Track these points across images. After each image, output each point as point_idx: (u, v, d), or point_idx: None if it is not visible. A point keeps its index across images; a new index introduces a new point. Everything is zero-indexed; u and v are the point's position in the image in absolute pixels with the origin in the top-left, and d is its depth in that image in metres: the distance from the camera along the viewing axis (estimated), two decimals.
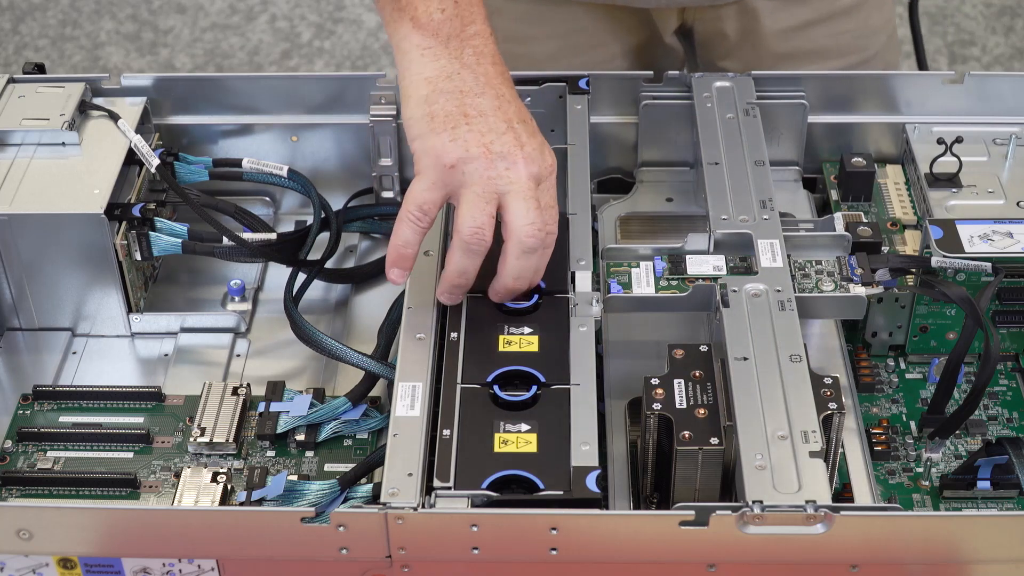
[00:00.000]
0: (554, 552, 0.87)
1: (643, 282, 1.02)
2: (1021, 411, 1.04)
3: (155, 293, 1.18)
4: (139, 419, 1.05)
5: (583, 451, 0.89)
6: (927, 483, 1.00)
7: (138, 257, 1.10)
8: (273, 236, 1.12)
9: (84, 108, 1.17)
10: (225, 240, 1.10)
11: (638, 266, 1.03)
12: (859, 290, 1.01)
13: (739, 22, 1.32)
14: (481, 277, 0.97)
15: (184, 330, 1.14)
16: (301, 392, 1.04)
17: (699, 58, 1.38)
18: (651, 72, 1.20)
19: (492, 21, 1.25)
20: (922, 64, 1.42)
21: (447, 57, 0.97)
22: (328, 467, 1.01)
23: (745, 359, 0.93)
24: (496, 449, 0.90)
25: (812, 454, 0.87)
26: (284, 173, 1.16)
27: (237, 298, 1.17)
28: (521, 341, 0.97)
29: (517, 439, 0.91)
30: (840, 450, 0.96)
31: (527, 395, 0.93)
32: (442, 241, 1.04)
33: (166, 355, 1.13)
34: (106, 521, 0.89)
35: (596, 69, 1.20)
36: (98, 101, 1.18)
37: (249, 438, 1.03)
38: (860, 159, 1.18)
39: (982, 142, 1.17)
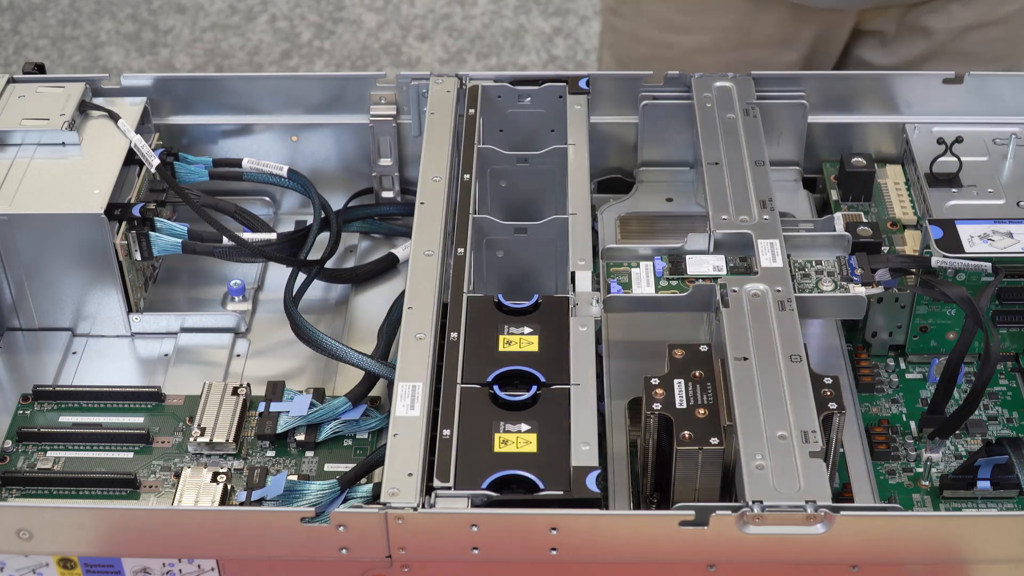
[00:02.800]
0: (554, 552, 0.87)
1: (643, 282, 1.02)
2: (1021, 411, 1.04)
3: (155, 293, 1.18)
4: (139, 419, 1.05)
5: (583, 451, 0.89)
6: (927, 483, 1.00)
7: (138, 257, 1.10)
8: (273, 236, 1.12)
9: (84, 108, 1.17)
10: (225, 240, 1.10)
11: (638, 266, 1.03)
12: (859, 290, 1.01)
13: (901, 19, 1.33)
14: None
15: (184, 330, 1.14)
16: (301, 392, 1.04)
17: (847, 53, 1.38)
18: (651, 72, 1.20)
19: (649, 6, 1.23)
20: None
21: None
22: (328, 467, 1.01)
23: (745, 359, 0.93)
24: (496, 449, 0.90)
25: (812, 454, 0.87)
26: (284, 173, 1.16)
27: (237, 298, 1.17)
28: (521, 341, 0.97)
29: (517, 439, 0.91)
30: (840, 450, 0.96)
31: (527, 395, 0.93)
32: (443, 241, 1.04)
33: (166, 355, 1.13)
34: (106, 521, 0.89)
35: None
36: (98, 101, 1.18)
37: (249, 438, 1.03)
38: (860, 159, 1.18)
39: (982, 142, 1.17)
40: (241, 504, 0.95)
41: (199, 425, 1.02)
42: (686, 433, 0.90)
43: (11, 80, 1.19)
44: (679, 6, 1.31)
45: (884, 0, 1.32)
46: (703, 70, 1.18)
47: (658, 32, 1.32)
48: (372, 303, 1.16)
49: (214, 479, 0.97)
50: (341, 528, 0.87)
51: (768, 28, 1.32)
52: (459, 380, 0.94)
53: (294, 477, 0.99)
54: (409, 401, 0.93)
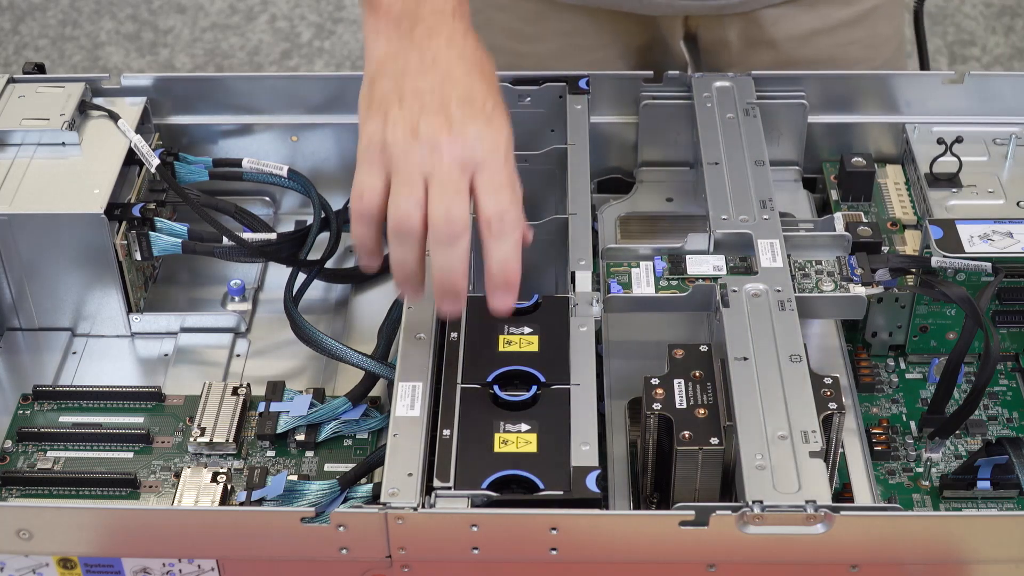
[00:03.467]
0: (554, 552, 0.87)
1: (643, 282, 1.02)
2: (1021, 411, 1.04)
3: (155, 293, 1.18)
4: (139, 419, 1.05)
5: (583, 451, 0.89)
6: (927, 483, 1.00)
7: (138, 257, 1.10)
8: (273, 236, 1.12)
9: (84, 108, 1.17)
10: (225, 240, 1.10)
11: (638, 266, 1.03)
12: (859, 290, 1.01)
13: (743, 30, 1.31)
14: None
15: (184, 330, 1.14)
16: (301, 392, 1.04)
17: (704, 65, 1.37)
18: (651, 72, 1.20)
19: (496, 16, 1.24)
20: (924, 65, 1.42)
21: (397, 37, 0.94)
22: (328, 467, 1.01)
23: (745, 359, 0.93)
24: (496, 449, 0.90)
25: (812, 454, 0.87)
26: (284, 173, 1.16)
27: (237, 298, 1.17)
28: (521, 341, 0.97)
29: (517, 439, 0.91)
30: (840, 450, 0.96)
31: (527, 395, 0.93)
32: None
33: (166, 355, 1.13)
34: (106, 521, 0.89)
35: (599, 70, 1.19)
36: (98, 101, 1.18)
37: (249, 438, 1.03)
38: (860, 159, 1.18)
39: (982, 142, 1.17)
40: (241, 504, 0.95)
41: (199, 425, 1.02)
42: (686, 433, 0.91)
43: (11, 80, 1.19)
44: (519, 16, 1.33)
45: (694, 9, 1.29)
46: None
47: (507, 40, 1.33)
48: (372, 303, 1.16)
49: (214, 479, 0.97)
50: (341, 528, 0.87)
51: (605, 35, 1.32)
52: (459, 380, 0.94)
53: (294, 477, 0.99)
54: (409, 401, 0.93)
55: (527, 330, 0.98)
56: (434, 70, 0.92)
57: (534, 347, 0.97)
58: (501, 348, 0.97)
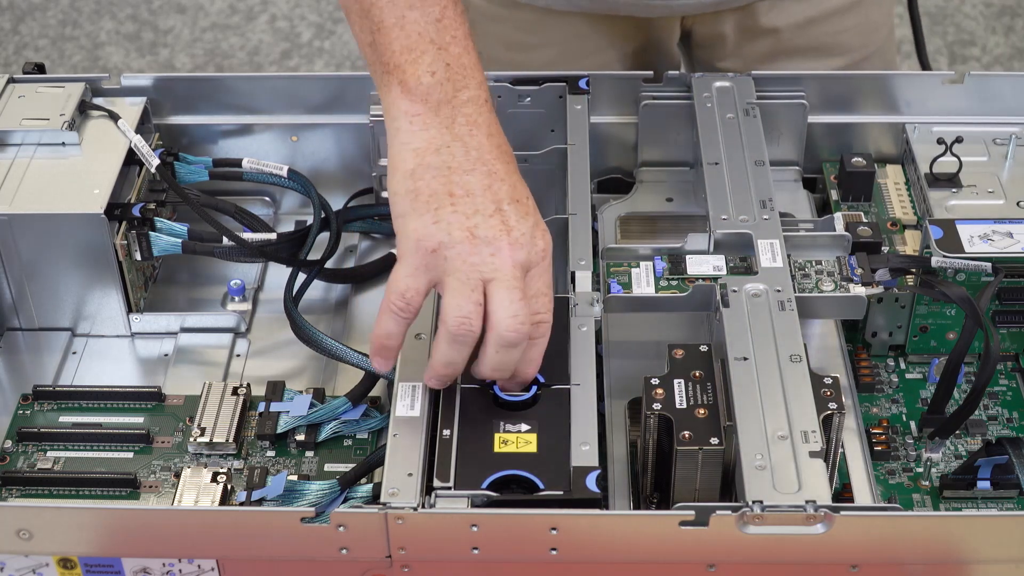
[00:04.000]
0: (554, 552, 0.87)
1: (643, 282, 1.02)
2: (1021, 411, 1.04)
3: (155, 293, 1.18)
4: (139, 419, 1.05)
5: (583, 451, 0.89)
6: (927, 483, 1.00)
7: (138, 257, 1.10)
8: (273, 236, 1.12)
9: (84, 108, 1.17)
10: (225, 240, 1.10)
11: (638, 266, 1.03)
12: (859, 290, 1.01)
13: (739, 22, 1.32)
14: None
15: (184, 330, 1.14)
16: (301, 392, 1.04)
17: (697, 60, 1.37)
18: (651, 72, 1.20)
19: (492, 28, 1.23)
20: (924, 62, 1.42)
21: (437, 127, 0.91)
22: (328, 467, 1.01)
23: (745, 359, 0.93)
24: (496, 449, 0.90)
25: (812, 454, 0.87)
26: (284, 173, 1.16)
27: (237, 298, 1.17)
28: None
29: (517, 439, 0.91)
30: (840, 450, 0.96)
31: (527, 395, 0.93)
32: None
33: (166, 355, 1.13)
34: (106, 521, 0.89)
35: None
36: (98, 101, 1.18)
37: (249, 438, 1.03)
38: (860, 159, 1.18)
39: (982, 142, 1.17)
40: (241, 504, 0.95)
41: (199, 425, 1.02)
42: (686, 433, 0.91)
43: (11, 80, 1.19)
44: (515, 26, 1.32)
45: (692, 8, 1.29)
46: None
47: (504, 51, 1.33)
48: (372, 303, 1.16)
49: (214, 479, 0.97)
50: (341, 528, 0.87)
51: (602, 40, 1.32)
52: (459, 380, 0.94)
53: (294, 477, 0.99)
54: (409, 401, 0.93)
55: None
56: (480, 166, 0.90)
57: None
58: None
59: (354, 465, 0.97)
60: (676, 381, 0.94)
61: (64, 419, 1.05)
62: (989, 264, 1.01)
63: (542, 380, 0.94)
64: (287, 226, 1.24)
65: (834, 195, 1.18)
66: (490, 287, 0.88)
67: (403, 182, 0.90)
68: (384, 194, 1.24)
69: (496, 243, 0.88)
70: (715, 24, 1.32)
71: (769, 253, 1.01)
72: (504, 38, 1.33)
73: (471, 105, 0.92)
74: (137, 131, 1.15)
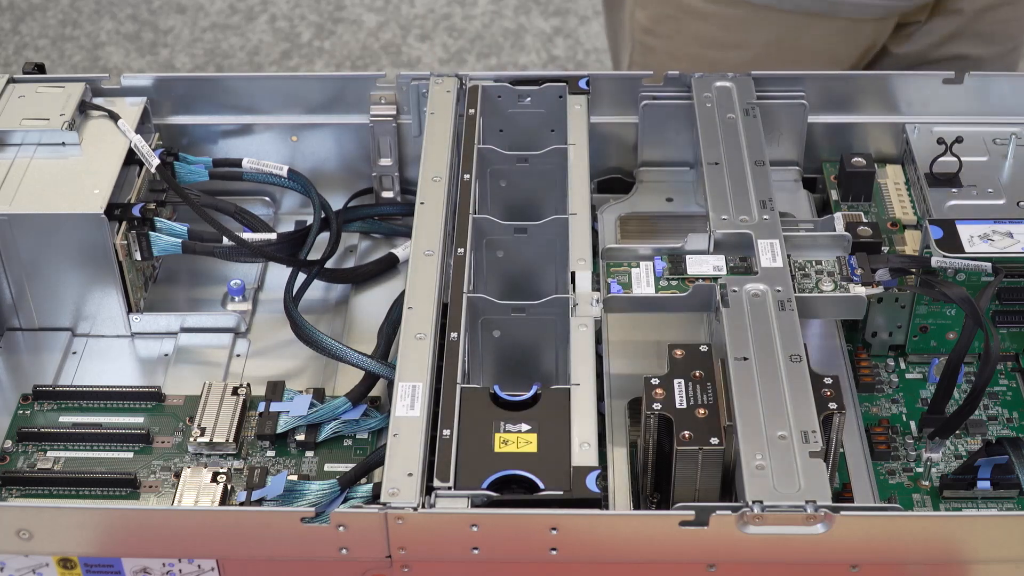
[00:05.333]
0: (554, 552, 0.87)
1: (643, 282, 1.02)
2: (1021, 411, 1.04)
3: (155, 293, 1.18)
4: (139, 419, 1.05)
5: (583, 451, 0.89)
6: (927, 483, 1.00)
7: (138, 257, 1.10)
8: (273, 236, 1.12)
9: (84, 108, 1.16)
10: (225, 240, 1.10)
11: (638, 266, 1.03)
12: (859, 290, 1.01)
13: (935, 8, 1.35)
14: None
15: (184, 330, 1.14)
16: (301, 392, 1.04)
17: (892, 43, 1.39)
18: (651, 72, 1.20)
19: (692, 25, 1.22)
20: None
21: None
22: (328, 467, 1.01)
23: (745, 359, 0.93)
24: (496, 449, 0.90)
25: (812, 454, 0.87)
26: (284, 173, 1.16)
27: (237, 298, 1.17)
28: None
29: (517, 439, 0.91)
30: (840, 450, 0.96)
31: (527, 395, 0.93)
32: (443, 241, 1.04)
33: (166, 355, 1.13)
34: (106, 521, 0.89)
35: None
36: (98, 101, 1.18)
37: (249, 438, 1.03)
38: (860, 159, 1.18)
39: (982, 142, 1.17)
40: (241, 504, 0.95)
41: (199, 425, 1.02)
42: (686, 433, 0.90)
43: (11, 80, 1.19)
44: (721, 23, 1.31)
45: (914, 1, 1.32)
46: None
47: (699, 49, 1.32)
48: (372, 303, 1.16)
49: (214, 479, 0.97)
50: (341, 528, 0.87)
51: (816, 43, 1.32)
52: (459, 380, 0.94)
53: (294, 477, 0.99)
54: (409, 401, 0.93)
55: None
56: None
57: None
58: None
59: (354, 465, 0.97)
60: (676, 381, 0.94)
61: (64, 419, 1.05)
62: (989, 264, 1.01)
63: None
64: (287, 226, 1.24)
65: (834, 195, 1.18)
66: None
67: None
68: (384, 194, 1.24)
69: None
70: (916, 11, 1.35)
71: (769, 253, 1.01)
72: (701, 34, 1.31)
73: None
74: (137, 131, 1.15)
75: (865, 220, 1.08)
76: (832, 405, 0.90)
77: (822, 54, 1.33)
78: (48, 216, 1.08)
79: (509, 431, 0.91)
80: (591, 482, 0.87)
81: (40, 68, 1.21)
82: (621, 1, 1.37)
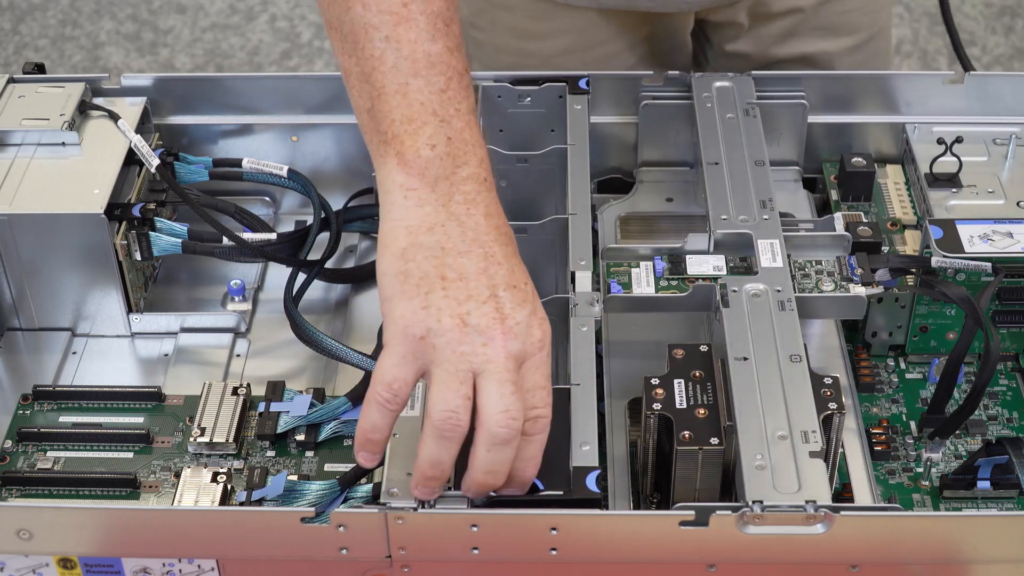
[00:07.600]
0: (554, 552, 0.87)
1: (643, 282, 1.02)
2: (1021, 411, 1.04)
3: (155, 293, 1.18)
4: (139, 419, 1.05)
5: (583, 451, 0.89)
6: (927, 483, 1.00)
7: (138, 257, 1.10)
8: (273, 236, 1.12)
9: (84, 108, 1.17)
10: (225, 240, 1.10)
11: (638, 266, 1.03)
12: (859, 290, 1.01)
13: (752, 8, 1.32)
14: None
15: (184, 330, 1.14)
16: (301, 392, 1.04)
17: (710, 44, 1.37)
18: (651, 72, 1.20)
19: (500, 16, 1.22)
20: (964, 62, 1.42)
21: (432, 203, 0.85)
22: (328, 467, 1.01)
23: (745, 359, 0.93)
24: None
25: (812, 454, 0.87)
26: (284, 173, 1.16)
27: (237, 298, 1.17)
28: None
29: None
30: (840, 450, 0.96)
31: None
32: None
33: (166, 355, 1.13)
34: (106, 521, 0.89)
35: (605, 67, 1.19)
36: (98, 101, 1.18)
37: (249, 438, 1.03)
38: (860, 159, 1.18)
39: (982, 142, 1.17)
40: (241, 504, 0.96)
41: (199, 425, 1.02)
42: (686, 433, 0.91)
43: (11, 80, 1.19)
44: (527, 14, 1.31)
45: (709, 2, 1.30)
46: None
47: (516, 40, 1.32)
48: (372, 303, 1.16)
49: (214, 479, 0.97)
50: (341, 528, 0.87)
51: (610, 30, 1.32)
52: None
53: (294, 477, 0.99)
54: (409, 401, 0.93)
55: None
56: (476, 248, 0.84)
57: None
58: None
59: (354, 465, 0.97)
60: (676, 381, 0.94)
61: (64, 419, 1.05)
62: (989, 264, 1.01)
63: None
64: (287, 226, 1.24)
65: (834, 195, 1.18)
66: (480, 380, 0.82)
67: (393, 262, 0.84)
68: None
69: (489, 332, 0.82)
70: (729, 13, 1.33)
71: (769, 253, 1.01)
72: (513, 26, 1.32)
73: (470, 183, 0.86)
74: (137, 131, 1.15)
75: (865, 220, 1.08)
76: (832, 405, 0.90)
77: (618, 40, 1.32)
78: (48, 216, 1.08)
79: None
80: (591, 482, 0.87)
81: (40, 68, 1.21)
82: None
